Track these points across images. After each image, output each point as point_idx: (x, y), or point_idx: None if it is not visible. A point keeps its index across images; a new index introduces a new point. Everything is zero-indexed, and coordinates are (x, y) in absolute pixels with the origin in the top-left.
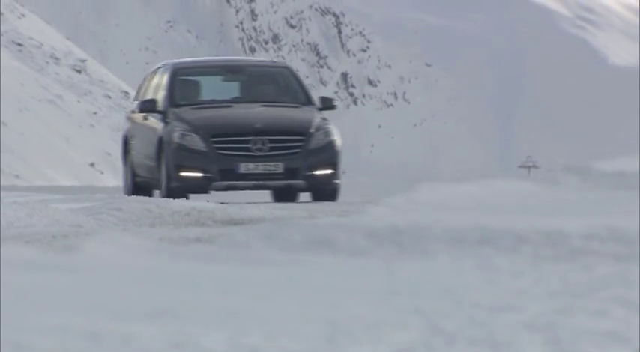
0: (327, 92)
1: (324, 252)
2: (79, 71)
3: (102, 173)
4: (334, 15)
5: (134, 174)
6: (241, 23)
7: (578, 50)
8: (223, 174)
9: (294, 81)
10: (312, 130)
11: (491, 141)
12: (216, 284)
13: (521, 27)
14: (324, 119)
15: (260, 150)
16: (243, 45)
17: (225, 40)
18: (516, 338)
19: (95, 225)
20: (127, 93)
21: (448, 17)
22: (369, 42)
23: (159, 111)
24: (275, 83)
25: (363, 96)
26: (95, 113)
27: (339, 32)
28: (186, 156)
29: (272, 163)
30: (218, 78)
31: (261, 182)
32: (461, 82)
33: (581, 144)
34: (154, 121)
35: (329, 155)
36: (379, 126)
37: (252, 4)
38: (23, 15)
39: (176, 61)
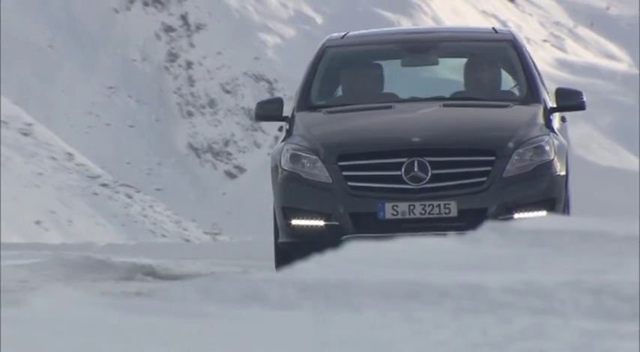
0: (261, 154)
1: (257, 305)
2: (25, 134)
3: (47, 230)
4: (267, 81)
5: None
6: (179, 89)
7: None
8: (358, 223)
9: (514, 62)
10: (510, 145)
11: None
12: (155, 336)
13: None
14: (547, 125)
15: (418, 180)
16: (181, 109)
17: (164, 104)
18: None
19: (40, 280)
20: (71, 154)
21: None
22: None
23: (283, 118)
24: (480, 68)
25: None
26: (40, 174)
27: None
28: (299, 193)
29: (437, 202)
30: (397, 60)
31: (420, 234)
32: None
33: None
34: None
35: (540, 187)
36: None
37: (190, 71)
38: None
39: (336, 35)
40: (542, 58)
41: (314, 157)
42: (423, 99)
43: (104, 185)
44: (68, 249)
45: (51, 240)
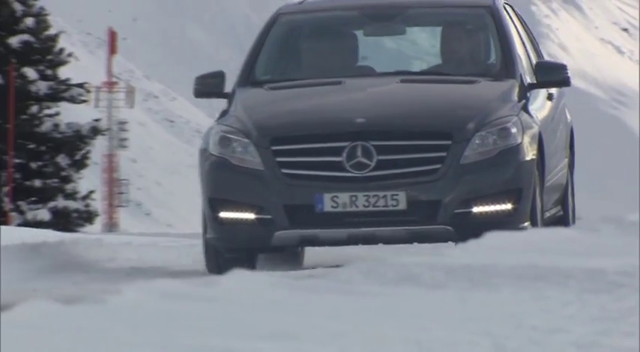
0: None
1: (411, 285)
2: None
3: None
4: None
5: None
6: None
7: (613, 126)
8: (293, 216)
9: (491, 31)
10: (470, 127)
11: None
12: (326, 311)
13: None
14: (522, 103)
15: (361, 166)
16: None
17: None
18: None
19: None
20: None
21: None
22: None
23: (225, 94)
24: (452, 39)
25: None
26: None
27: None
28: (227, 182)
29: (384, 192)
30: (359, 30)
31: (364, 229)
32: None
33: (616, 202)
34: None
35: (505, 176)
36: None
37: None
38: (174, 98)
39: (294, 1)
40: None
41: (246, 140)
42: (379, 74)
43: None
44: None
45: None
